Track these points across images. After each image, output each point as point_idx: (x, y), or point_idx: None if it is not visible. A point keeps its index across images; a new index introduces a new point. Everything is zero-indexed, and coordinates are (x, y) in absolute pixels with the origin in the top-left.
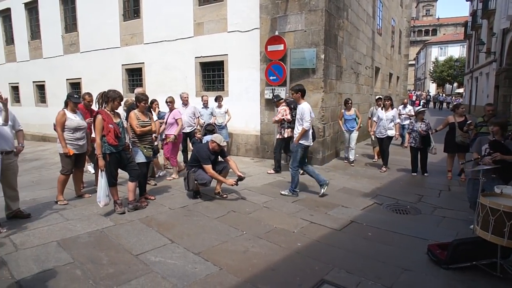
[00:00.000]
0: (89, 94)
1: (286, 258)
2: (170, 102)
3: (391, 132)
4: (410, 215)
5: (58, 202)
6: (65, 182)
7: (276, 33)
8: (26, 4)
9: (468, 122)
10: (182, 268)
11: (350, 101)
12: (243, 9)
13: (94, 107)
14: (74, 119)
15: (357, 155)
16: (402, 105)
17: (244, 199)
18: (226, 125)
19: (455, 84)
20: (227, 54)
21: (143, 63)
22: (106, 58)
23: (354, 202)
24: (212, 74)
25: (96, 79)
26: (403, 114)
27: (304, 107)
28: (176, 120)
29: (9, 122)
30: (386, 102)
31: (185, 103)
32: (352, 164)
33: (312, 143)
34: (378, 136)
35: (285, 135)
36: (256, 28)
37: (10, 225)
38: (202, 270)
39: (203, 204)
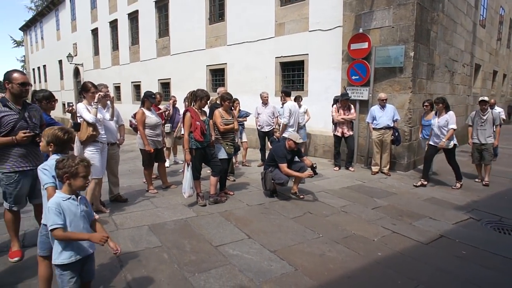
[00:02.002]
0: (160, 94)
1: (365, 267)
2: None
3: (447, 143)
4: None
5: (149, 191)
6: (150, 174)
7: (360, 30)
8: (129, 15)
9: None
10: (258, 264)
11: (427, 103)
12: (325, 8)
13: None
14: (152, 116)
15: None
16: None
17: (321, 202)
18: (304, 125)
19: None
20: (307, 54)
21: (226, 63)
22: (193, 59)
23: (444, 214)
24: (292, 74)
25: (184, 79)
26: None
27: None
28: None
29: (114, 118)
30: (438, 105)
31: (265, 102)
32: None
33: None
34: (431, 144)
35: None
36: (339, 26)
37: (112, 207)
38: (278, 268)
39: (279, 203)
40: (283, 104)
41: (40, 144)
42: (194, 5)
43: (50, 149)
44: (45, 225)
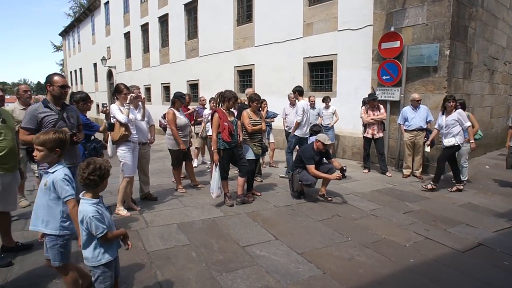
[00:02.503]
0: (189, 95)
1: (396, 274)
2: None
3: (447, 141)
4: None
5: (178, 190)
6: (179, 173)
7: (392, 29)
8: (159, 18)
9: None
10: (286, 266)
11: (451, 100)
12: (355, 6)
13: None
14: (181, 117)
15: (487, 167)
16: None
17: (350, 204)
18: (333, 126)
19: None
20: (336, 54)
21: (253, 64)
22: (220, 61)
23: (482, 221)
24: (320, 74)
25: (211, 80)
26: None
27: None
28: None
29: (145, 118)
30: (450, 103)
31: (293, 103)
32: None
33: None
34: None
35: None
36: (369, 25)
37: (142, 205)
38: (305, 271)
39: (307, 205)
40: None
41: (38, 154)
42: (222, 7)
43: (56, 154)
44: (59, 236)
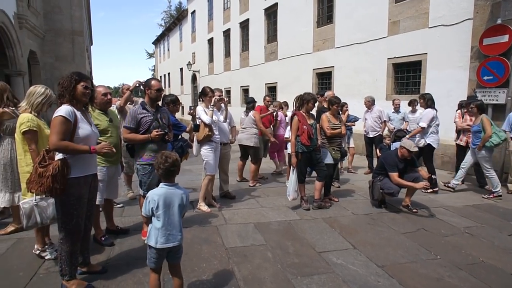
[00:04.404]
0: (269, 96)
1: None
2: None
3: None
4: None
5: (252, 185)
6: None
7: (498, 21)
8: (240, 23)
9: None
10: (364, 277)
11: (473, 105)
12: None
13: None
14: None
15: None
16: None
17: (439, 219)
18: None
19: None
20: (425, 53)
21: (333, 66)
22: (299, 63)
23: None
24: (406, 76)
25: (290, 83)
26: None
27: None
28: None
29: (227, 120)
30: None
31: (368, 107)
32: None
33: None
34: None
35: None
36: (468, 19)
37: (221, 202)
38: (386, 286)
39: (388, 215)
40: (395, 108)
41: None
42: (302, 9)
43: None
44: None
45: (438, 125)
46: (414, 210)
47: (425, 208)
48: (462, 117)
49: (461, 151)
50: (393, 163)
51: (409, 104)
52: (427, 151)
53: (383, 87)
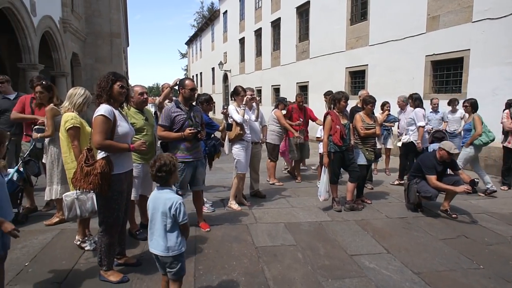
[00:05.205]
0: (300, 95)
1: None
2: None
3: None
4: None
5: (275, 183)
6: (274, 166)
7: None
8: (272, 23)
9: None
10: (399, 284)
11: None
12: None
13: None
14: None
15: None
16: None
17: (481, 226)
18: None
19: None
20: (468, 49)
21: (367, 65)
22: (331, 62)
23: None
24: (446, 73)
25: (321, 82)
26: None
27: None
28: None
29: (258, 119)
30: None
31: (402, 107)
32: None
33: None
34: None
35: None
36: None
37: (252, 201)
38: None
39: (425, 219)
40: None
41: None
42: (334, 7)
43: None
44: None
45: (426, 124)
46: (453, 216)
47: (466, 214)
48: (511, 118)
49: (509, 154)
50: (431, 165)
51: (449, 104)
52: (408, 148)
53: (420, 85)
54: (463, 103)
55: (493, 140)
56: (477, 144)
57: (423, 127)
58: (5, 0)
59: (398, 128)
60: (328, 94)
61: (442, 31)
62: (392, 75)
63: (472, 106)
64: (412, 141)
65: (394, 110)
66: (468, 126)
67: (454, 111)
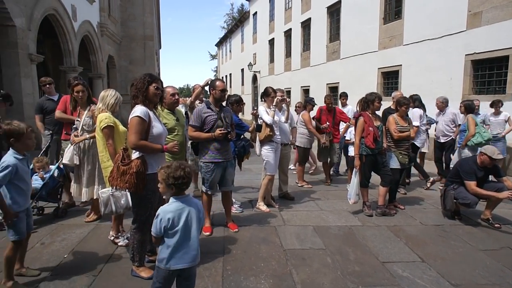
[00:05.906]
0: (329, 97)
1: None
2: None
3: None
4: None
5: (304, 186)
6: (303, 170)
7: None
8: (302, 23)
9: None
10: None
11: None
12: None
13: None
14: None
15: None
16: None
17: None
18: (504, 137)
19: None
20: None
21: (400, 65)
22: (363, 62)
23: None
24: (489, 73)
25: (352, 83)
26: None
27: None
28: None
29: (288, 120)
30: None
31: (440, 109)
32: None
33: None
34: None
35: None
36: None
37: (280, 203)
38: None
39: (463, 228)
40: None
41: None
42: (367, 6)
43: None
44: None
45: (424, 124)
46: (496, 225)
47: (510, 224)
48: None
49: None
50: (471, 170)
51: (491, 106)
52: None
53: (459, 86)
54: (460, 104)
55: (488, 140)
56: (470, 145)
57: (418, 127)
58: (50, 7)
59: (436, 130)
60: (343, 95)
61: (484, 28)
62: (428, 76)
63: (466, 108)
64: (412, 142)
65: (431, 112)
66: (464, 127)
67: (497, 113)
